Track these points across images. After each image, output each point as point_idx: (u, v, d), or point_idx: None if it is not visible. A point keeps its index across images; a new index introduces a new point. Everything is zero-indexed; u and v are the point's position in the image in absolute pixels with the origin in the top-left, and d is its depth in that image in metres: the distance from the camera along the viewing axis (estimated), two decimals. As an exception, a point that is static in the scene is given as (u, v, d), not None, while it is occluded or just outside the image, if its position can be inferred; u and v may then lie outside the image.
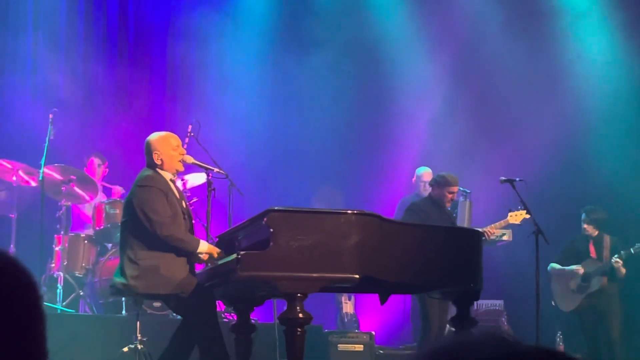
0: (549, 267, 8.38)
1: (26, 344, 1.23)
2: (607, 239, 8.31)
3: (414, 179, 8.71)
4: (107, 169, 8.76)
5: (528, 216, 7.32)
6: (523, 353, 1.07)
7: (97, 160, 8.66)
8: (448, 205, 7.39)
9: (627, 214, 8.86)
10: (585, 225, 8.37)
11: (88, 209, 8.37)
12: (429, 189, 7.55)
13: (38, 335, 1.26)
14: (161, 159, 5.40)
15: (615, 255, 8.09)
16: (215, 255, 5.22)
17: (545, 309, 7.15)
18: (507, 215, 7.67)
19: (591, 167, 9.76)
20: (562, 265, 8.39)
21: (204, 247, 5.25)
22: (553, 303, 8.39)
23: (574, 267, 8.29)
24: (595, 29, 10.24)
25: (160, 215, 5.22)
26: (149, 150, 5.45)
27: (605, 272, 8.17)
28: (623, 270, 8.13)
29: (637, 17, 9.91)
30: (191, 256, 5.32)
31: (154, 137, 5.50)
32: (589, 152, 9.87)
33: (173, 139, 5.50)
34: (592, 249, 8.33)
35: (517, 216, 7.54)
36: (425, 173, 8.54)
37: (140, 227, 5.24)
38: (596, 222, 8.38)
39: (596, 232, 8.37)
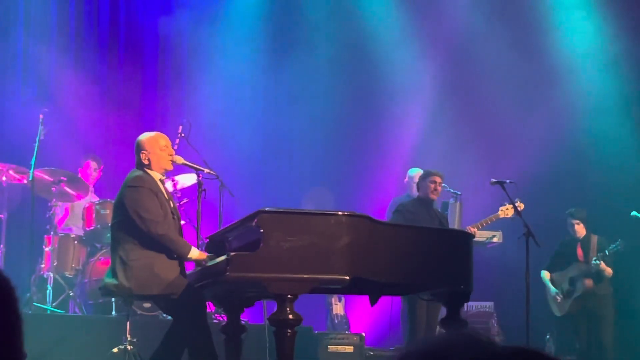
0: (541, 275, 8.40)
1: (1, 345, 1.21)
2: (594, 239, 8.31)
3: (405, 179, 8.69)
4: (101, 173, 8.72)
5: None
6: (502, 354, 1.07)
7: (93, 164, 8.61)
8: (434, 197, 7.34)
9: (617, 215, 8.87)
10: (573, 222, 8.36)
11: (77, 209, 8.33)
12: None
13: (14, 337, 1.24)
14: (149, 159, 5.39)
15: (595, 258, 8.09)
16: (206, 262, 5.21)
17: (535, 311, 7.15)
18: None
19: (582, 169, 9.77)
20: (552, 271, 8.41)
21: (195, 254, 5.28)
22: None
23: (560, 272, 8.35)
24: (585, 25, 10.24)
25: (153, 214, 5.23)
26: (137, 150, 5.45)
27: (588, 274, 8.16)
28: (609, 271, 8.12)
29: (627, 12, 9.91)
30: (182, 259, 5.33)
31: (143, 137, 5.49)
32: (580, 153, 9.88)
33: (162, 139, 5.49)
34: (579, 251, 8.34)
35: (508, 210, 7.54)
36: (417, 174, 8.52)
37: (132, 228, 5.23)
38: (584, 222, 8.37)
39: (584, 233, 8.37)
